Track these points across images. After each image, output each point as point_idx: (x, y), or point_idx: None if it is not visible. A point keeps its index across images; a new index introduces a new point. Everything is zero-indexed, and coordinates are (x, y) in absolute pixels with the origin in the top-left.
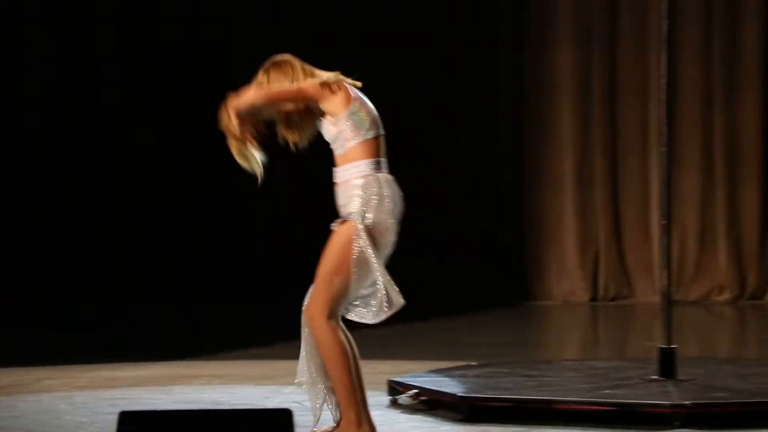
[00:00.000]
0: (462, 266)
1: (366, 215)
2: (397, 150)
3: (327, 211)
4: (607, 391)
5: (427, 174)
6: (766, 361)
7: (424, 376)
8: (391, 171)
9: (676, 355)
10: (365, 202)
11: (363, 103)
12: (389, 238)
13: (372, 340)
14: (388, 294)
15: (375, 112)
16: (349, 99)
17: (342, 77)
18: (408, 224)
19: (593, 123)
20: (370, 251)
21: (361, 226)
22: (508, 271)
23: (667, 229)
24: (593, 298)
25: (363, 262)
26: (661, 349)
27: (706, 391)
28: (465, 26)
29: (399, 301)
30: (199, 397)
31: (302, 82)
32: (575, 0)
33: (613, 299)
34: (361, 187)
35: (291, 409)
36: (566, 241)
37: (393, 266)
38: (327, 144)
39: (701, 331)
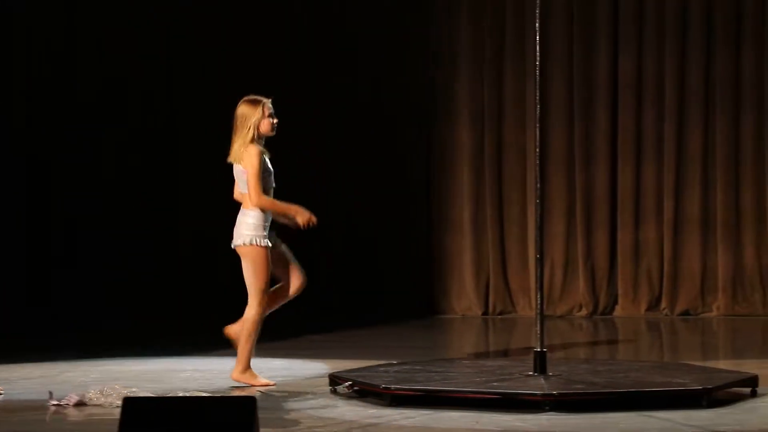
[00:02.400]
0: (385, 288)
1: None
2: (339, 178)
3: None
4: (494, 383)
5: (360, 215)
6: (613, 361)
7: (357, 371)
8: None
9: (546, 357)
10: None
11: None
12: None
13: (317, 344)
14: None
15: None
16: None
17: None
18: (345, 248)
19: (485, 180)
20: None
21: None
22: (420, 291)
23: (540, 261)
24: (485, 313)
25: None
26: (536, 351)
27: (568, 383)
28: (394, 94)
29: None
30: (185, 387)
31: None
32: (471, 86)
33: (499, 314)
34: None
35: (255, 396)
36: (465, 269)
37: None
38: None
39: (565, 339)
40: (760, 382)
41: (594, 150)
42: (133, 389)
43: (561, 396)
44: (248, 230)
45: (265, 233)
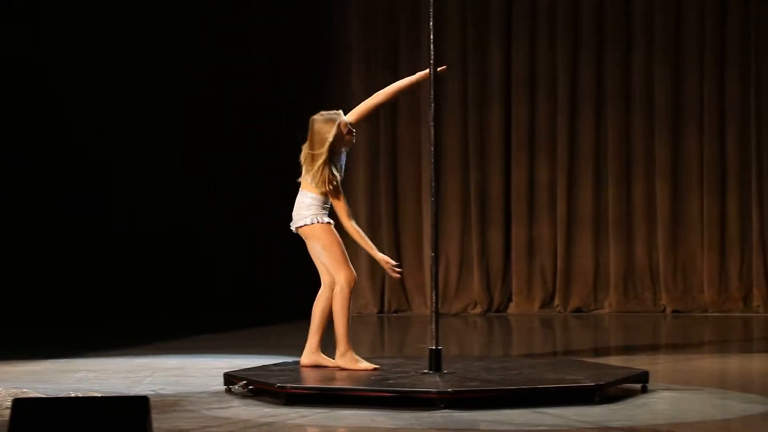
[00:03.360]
0: (281, 285)
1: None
2: (239, 178)
3: None
4: (390, 381)
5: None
6: (507, 358)
7: (252, 370)
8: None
9: (441, 354)
10: None
11: None
12: None
13: (213, 342)
14: None
15: None
16: None
17: None
18: (243, 245)
19: (380, 178)
20: None
21: None
22: (316, 289)
23: (435, 260)
24: (380, 311)
25: None
26: (431, 349)
27: (463, 381)
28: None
29: None
30: (77, 387)
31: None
32: (365, 83)
33: (395, 312)
34: None
35: (148, 396)
36: (360, 267)
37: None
38: None
39: (460, 336)
40: (651, 378)
41: (488, 147)
42: (24, 389)
43: (456, 393)
44: (308, 210)
45: (325, 212)
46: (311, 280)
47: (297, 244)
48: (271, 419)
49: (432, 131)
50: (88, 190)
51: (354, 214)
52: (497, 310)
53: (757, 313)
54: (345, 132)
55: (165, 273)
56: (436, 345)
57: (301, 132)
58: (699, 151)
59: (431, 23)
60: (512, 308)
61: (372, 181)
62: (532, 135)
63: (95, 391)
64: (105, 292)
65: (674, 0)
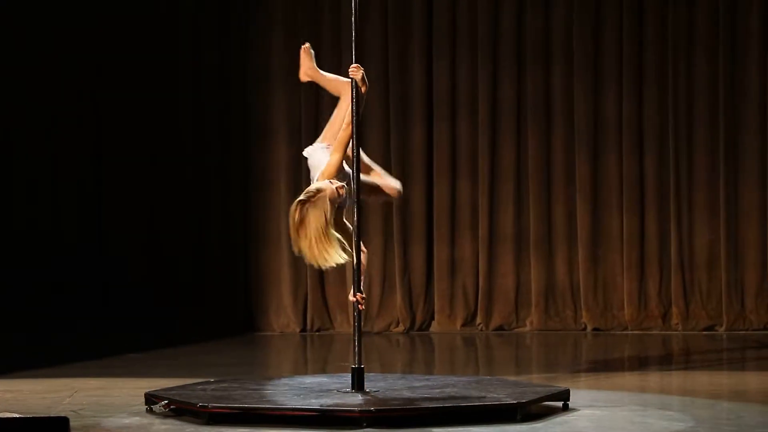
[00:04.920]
0: (202, 304)
1: None
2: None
3: None
4: (312, 400)
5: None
6: (430, 376)
7: (173, 389)
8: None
9: (363, 373)
10: None
11: None
12: None
13: (133, 361)
14: None
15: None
16: None
17: None
18: (163, 263)
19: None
20: None
21: None
22: (238, 308)
23: (356, 277)
24: (303, 330)
25: None
26: (353, 368)
27: (386, 399)
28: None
29: None
30: None
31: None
32: (287, 103)
33: (318, 330)
34: None
35: (68, 417)
36: (282, 285)
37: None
38: None
39: (383, 355)
40: (572, 395)
41: (410, 164)
42: None
43: (378, 412)
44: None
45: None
46: (223, 298)
47: (225, 265)
48: None
49: (353, 150)
50: None
51: (275, 231)
52: (420, 329)
53: (675, 330)
54: (337, 195)
55: (88, 289)
56: (359, 363)
57: None
58: (618, 169)
59: (353, 42)
60: (435, 326)
61: (294, 199)
62: (453, 153)
63: (14, 412)
64: (26, 308)
65: (593, 20)
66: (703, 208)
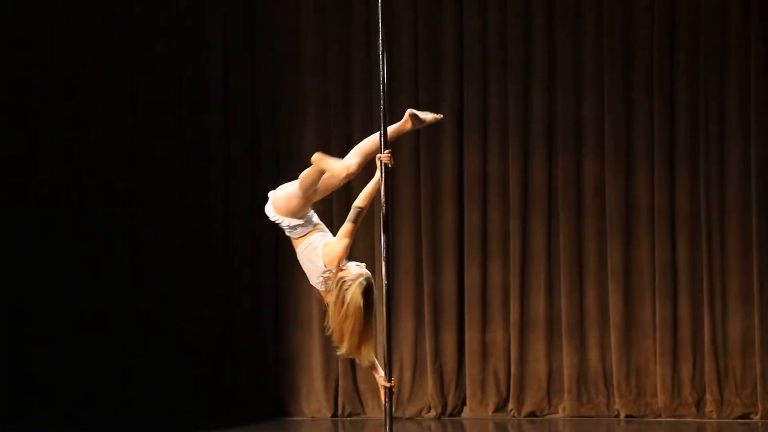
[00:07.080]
0: (233, 389)
1: None
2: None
3: None
4: None
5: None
6: None
7: None
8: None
9: None
10: None
11: None
12: None
13: None
14: None
15: None
16: None
17: None
18: (193, 347)
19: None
20: None
21: None
22: (269, 392)
23: (388, 362)
24: (334, 415)
25: None
26: None
27: None
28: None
29: None
30: None
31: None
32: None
33: (349, 416)
34: None
35: None
36: (313, 370)
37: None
38: None
39: None
40: None
41: (441, 250)
42: None
43: None
44: None
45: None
46: (253, 383)
47: (256, 350)
48: None
49: (383, 235)
50: None
51: (307, 316)
52: (451, 414)
53: (710, 418)
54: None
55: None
56: None
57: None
58: (651, 255)
59: (382, 127)
60: (466, 412)
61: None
62: (484, 238)
63: None
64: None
65: (624, 106)
66: (736, 295)
